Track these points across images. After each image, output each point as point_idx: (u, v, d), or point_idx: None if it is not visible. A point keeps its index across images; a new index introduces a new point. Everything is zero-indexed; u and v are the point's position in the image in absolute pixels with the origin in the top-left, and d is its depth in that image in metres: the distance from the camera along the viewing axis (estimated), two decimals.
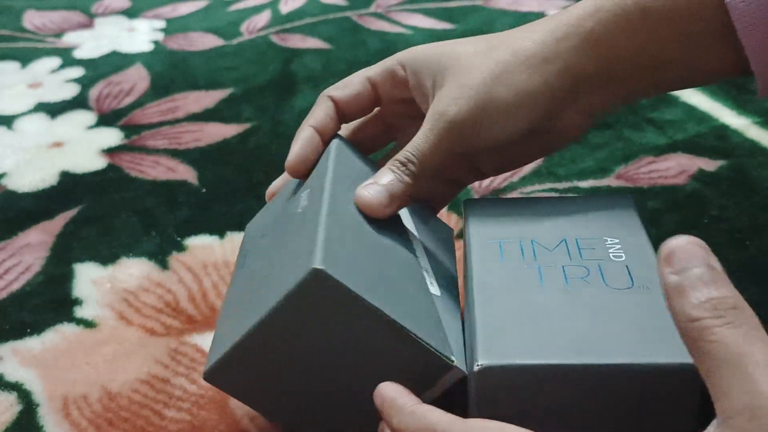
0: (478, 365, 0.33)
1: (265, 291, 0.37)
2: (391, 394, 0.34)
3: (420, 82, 0.44)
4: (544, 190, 0.65)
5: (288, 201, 0.45)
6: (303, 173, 0.46)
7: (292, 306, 0.35)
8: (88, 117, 0.84)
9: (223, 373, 0.38)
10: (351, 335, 0.35)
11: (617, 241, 0.39)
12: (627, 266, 0.38)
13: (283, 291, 0.35)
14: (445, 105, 0.42)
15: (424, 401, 0.34)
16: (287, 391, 0.39)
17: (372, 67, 0.47)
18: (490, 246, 0.40)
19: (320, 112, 0.47)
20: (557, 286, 0.37)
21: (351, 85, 0.46)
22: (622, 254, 0.38)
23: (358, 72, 0.47)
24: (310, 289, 0.34)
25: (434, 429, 0.31)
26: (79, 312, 0.55)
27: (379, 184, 0.41)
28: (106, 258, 0.61)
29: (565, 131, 0.44)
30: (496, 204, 0.45)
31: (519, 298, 0.36)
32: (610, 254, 0.38)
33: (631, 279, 0.37)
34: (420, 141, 0.42)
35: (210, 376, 0.39)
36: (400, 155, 0.42)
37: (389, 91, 0.47)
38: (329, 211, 0.38)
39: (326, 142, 0.46)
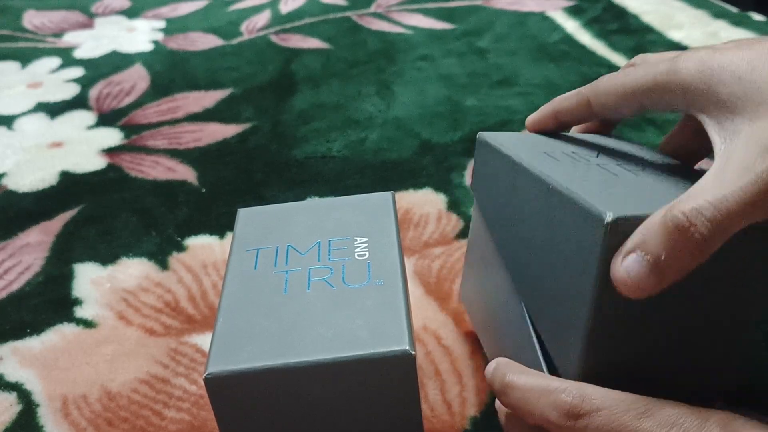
0: (609, 216, 0.29)
1: (340, 333, 0.35)
2: (504, 359, 0.35)
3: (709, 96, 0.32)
4: None
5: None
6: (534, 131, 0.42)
7: (369, 369, 0.34)
8: (88, 117, 0.84)
9: (231, 387, 0.34)
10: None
11: None
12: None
13: (367, 349, 0.34)
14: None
15: None
16: None
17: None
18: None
19: (570, 99, 0.40)
20: None
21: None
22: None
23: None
24: (396, 365, 0.34)
25: (549, 383, 0.31)
26: (79, 312, 0.55)
27: (645, 254, 0.29)
28: (106, 258, 0.61)
29: None
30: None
31: None
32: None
33: None
34: (725, 193, 0.28)
35: (214, 383, 0.34)
36: (688, 207, 0.28)
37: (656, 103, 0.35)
38: None
39: (567, 124, 0.41)
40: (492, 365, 0.35)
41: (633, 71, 0.35)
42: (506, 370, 0.34)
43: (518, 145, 0.40)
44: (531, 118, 0.42)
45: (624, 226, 0.29)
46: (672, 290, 0.29)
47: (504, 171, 0.39)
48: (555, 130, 0.42)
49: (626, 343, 0.32)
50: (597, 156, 0.39)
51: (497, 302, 0.43)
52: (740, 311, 0.34)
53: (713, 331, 0.34)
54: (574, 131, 0.44)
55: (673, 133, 0.40)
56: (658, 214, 0.29)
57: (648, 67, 0.34)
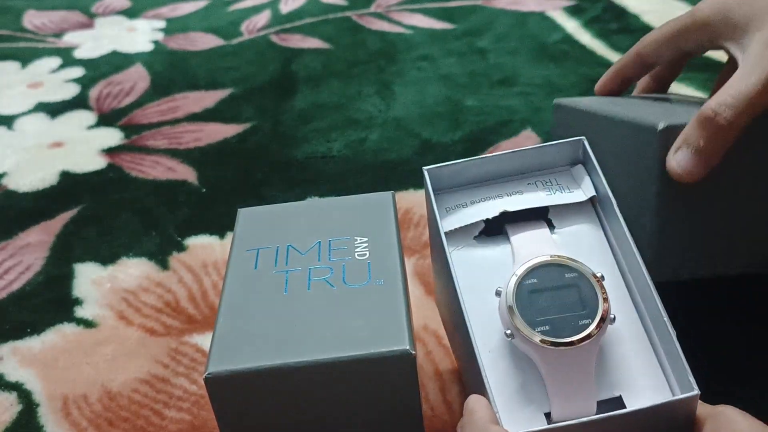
0: (660, 125, 0.38)
1: (335, 336, 0.35)
2: (474, 407, 0.33)
3: (729, 24, 0.40)
4: None
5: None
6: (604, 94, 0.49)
7: (369, 369, 0.35)
8: (88, 117, 0.84)
9: (231, 387, 0.35)
10: None
11: None
12: None
13: (366, 349, 0.34)
14: None
15: None
16: None
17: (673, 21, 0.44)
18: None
19: (625, 57, 0.48)
20: None
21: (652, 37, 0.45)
22: None
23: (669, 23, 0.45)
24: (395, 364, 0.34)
25: None
26: (79, 312, 0.55)
27: (688, 146, 0.37)
28: (106, 258, 0.61)
29: None
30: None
31: None
32: None
33: None
34: (741, 84, 0.36)
35: (214, 382, 0.35)
36: (714, 102, 0.37)
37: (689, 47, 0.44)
38: None
39: (628, 79, 0.49)
40: (464, 410, 0.34)
41: (666, 24, 0.43)
42: (462, 423, 0.33)
43: (587, 102, 0.46)
44: (598, 83, 0.50)
45: (672, 131, 0.38)
46: (717, 176, 0.37)
47: (578, 122, 0.45)
48: (619, 89, 0.49)
49: (688, 217, 0.39)
50: (653, 99, 0.47)
51: (455, 324, 0.42)
52: None
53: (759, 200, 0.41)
54: (636, 93, 0.51)
55: (719, 80, 0.48)
56: (697, 114, 0.37)
57: (675, 18, 0.43)
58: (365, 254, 0.40)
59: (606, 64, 0.86)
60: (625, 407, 0.34)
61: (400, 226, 0.61)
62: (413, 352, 0.34)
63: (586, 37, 0.93)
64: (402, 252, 0.40)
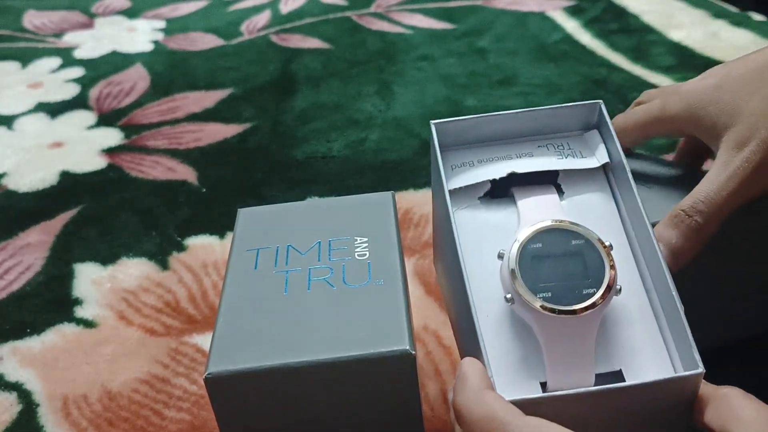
0: None
1: (340, 332, 0.36)
2: (468, 371, 0.32)
3: (700, 124, 0.41)
4: None
5: None
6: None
7: (369, 369, 0.35)
8: (88, 117, 0.84)
9: (231, 387, 0.35)
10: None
11: None
12: None
13: (369, 349, 0.34)
14: (743, 148, 0.38)
15: None
16: None
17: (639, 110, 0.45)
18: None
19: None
20: None
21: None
22: None
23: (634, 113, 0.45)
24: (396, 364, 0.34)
25: (494, 416, 0.29)
26: (79, 312, 0.56)
27: (662, 244, 0.38)
28: (106, 258, 0.61)
29: None
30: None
31: None
32: None
33: None
34: (711, 189, 0.38)
35: (214, 383, 0.34)
36: (686, 204, 0.38)
37: (659, 132, 0.45)
38: None
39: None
40: (457, 374, 0.33)
41: (636, 112, 0.44)
42: (454, 388, 0.32)
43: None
44: None
45: None
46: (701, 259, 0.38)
47: None
48: None
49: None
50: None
51: (453, 287, 0.40)
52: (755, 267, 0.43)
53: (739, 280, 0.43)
54: None
55: (682, 144, 0.49)
56: (670, 213, 0.38)
57: (646, 107, 0.43)
58: (365, 254, 0.40)
59: (606, 64, 0.86)
60: (624, 381, 0.33)
61: (400, 226, 0.61)
62: (413, 352, 0.34)
63: (586, 37, 0.93)
64: (402, 252, 0.40)
